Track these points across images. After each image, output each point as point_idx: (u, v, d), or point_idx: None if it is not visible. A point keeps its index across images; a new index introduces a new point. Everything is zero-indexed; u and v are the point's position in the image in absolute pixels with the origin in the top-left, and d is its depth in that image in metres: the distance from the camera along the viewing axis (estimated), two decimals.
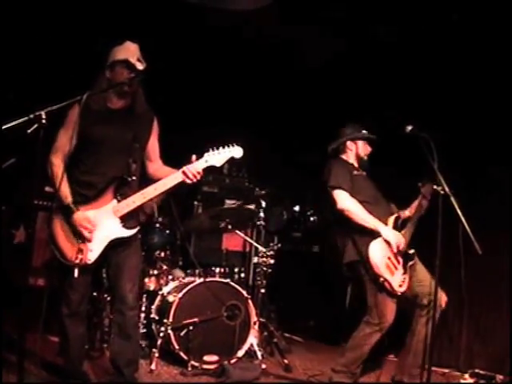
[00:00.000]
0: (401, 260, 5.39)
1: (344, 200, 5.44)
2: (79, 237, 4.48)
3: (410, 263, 5.44)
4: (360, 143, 5.79)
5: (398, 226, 5.49)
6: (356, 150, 5.78)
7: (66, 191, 4.47)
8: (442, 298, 5.39)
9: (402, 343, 5.60)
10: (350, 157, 5.79)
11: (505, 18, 5.93)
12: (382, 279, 5.27)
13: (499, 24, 6.02)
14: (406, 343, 5.57)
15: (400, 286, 5.32)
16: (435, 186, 4.95)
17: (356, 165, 5.76)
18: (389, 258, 5.32)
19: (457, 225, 4.69)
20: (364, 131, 5.81)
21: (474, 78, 6.41)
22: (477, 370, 6.36)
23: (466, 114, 6.52)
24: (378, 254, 5.30)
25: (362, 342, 5.42)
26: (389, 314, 5.34)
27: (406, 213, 5.74)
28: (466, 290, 4.95)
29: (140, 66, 4.50)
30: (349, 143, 5.80)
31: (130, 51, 4.55)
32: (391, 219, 5.48)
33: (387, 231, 5.34)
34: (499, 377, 6.21)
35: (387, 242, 5.31)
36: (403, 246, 5.36)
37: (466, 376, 6.33)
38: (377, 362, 6.26)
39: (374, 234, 5.34)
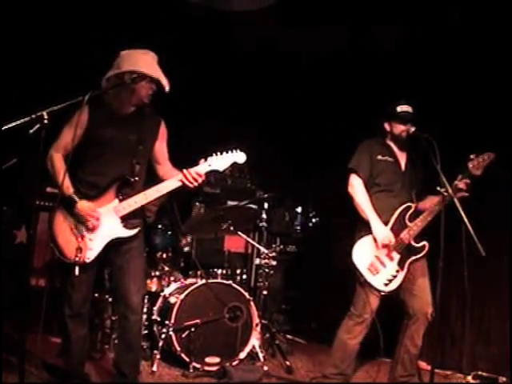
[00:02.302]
0: (396, 256, 5.28)
1: (355, 186, 5.39)
2: (83, 227, 4.48)
3: (413, 258, 5.31)
4: (393, 122, 5.50)
5: (405, 218, 5.34)
6: (390, 130, 5.52)
7: (67, 183, 4.45)
8: (428, 309, 5.27)
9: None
10: (388, 138, 5.57)
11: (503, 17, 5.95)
12: (362, 279, 5.24)
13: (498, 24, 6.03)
14: (395, 352, 5.52)
15: (386, 284, 5.23)
16: (438, 188, 4.92)
17: (394, 146, 5.53)
18: (377, 257, 5.25)
19: (459, 226, 4.67)
20: (398, 108, 5.47)
21: (474, 75, 6.39)
22: (480, 372, 6.34)
23: (466, 114, 6.50)
24: (361, 252, 5.26)
25: (345, 336, 5.38)
26: (370, 307, 5.25)
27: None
28: (469, 292, 4.93)
29: (167, 87, 4.51)
30: (385, 124, 5.56)
31: (153, 67, 4.52)
32: (398, 210, 5.35)
33: (377, 227, 5.25)
34: (502, 378, 6.20)
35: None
36: (392, 243, 5.26)
37: (469, 378, 6.32)
38: (373, 365, 6.24)
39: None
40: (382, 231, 5.26)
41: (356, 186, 5.39)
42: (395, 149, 5.56)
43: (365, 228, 5.34)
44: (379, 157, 5.48)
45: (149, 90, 4.55)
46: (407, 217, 5.37)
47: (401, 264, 5.29)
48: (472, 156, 5.20)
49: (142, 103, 4.62)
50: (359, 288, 5.35)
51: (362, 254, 5.28)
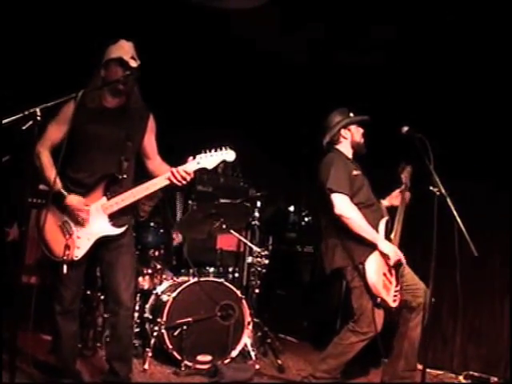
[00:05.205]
0: (394, 272, 5.23)
1: (344, 206, 5.12)
2: (72, 224, 4.49)
3: (400, 270, 5.28)
4: (353, 128, 5.47)
5: (387, 232, 5.31)
6: (351, 137, 5.48)
7: (55, 178, 4.40)
8: (428, 293, 5.11)
9: (391, 347, 5.49)
10: (346, 146, 5.49)
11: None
12: (379, 299, 5.11)
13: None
14: (394, 347, 5.42)
15: (394, 301, 5.19)
16: (431, 187, 4.91)
17: (351, 152, 5.49)
18: (384, 275, 5.15)
19: (451, 226, 4.66)
20: (352, 114, 5.49)
21: (471, 77, 6.41)
22: (471, 372, 6.36)
23: (463, 116, 6.52)
24: (375, 272, 5.10)
25: (346, 350, 5.24)
26: (378, 323, 5.15)
27: (385, 203, 5.61)
28: (461, 292, 4.93)
29: (134, 64, 4.48)
30: (343, 131, 5.47)
31: (124, 49, 4.53)
32: (382, 224, 5.29)
33: (385, 245, 5.13)
34: (493, 379, 6.22)
35: (382, 256, 5.14)
36: (402, 259, 5.21)
37: (461, 378, 6.33)
38: (367, 365, 6.24)
39: (369, 244, 5.14)
40: (392, 248, 5.17)
41: (347, 206, 5.14)
42: (353, 153, 5.54)
43: (363, 247, 5.18)
44: (354, 172, 5.35)
45: (117, 72, 4.49)
46: (388, 230, 5.35)
47: (397, 279, 5.26)
48: (401, 166, 5.51)
49: (120, 91, 4.54)
50: (365, 305, 5.18)
51: (375, 273, 5.11)
